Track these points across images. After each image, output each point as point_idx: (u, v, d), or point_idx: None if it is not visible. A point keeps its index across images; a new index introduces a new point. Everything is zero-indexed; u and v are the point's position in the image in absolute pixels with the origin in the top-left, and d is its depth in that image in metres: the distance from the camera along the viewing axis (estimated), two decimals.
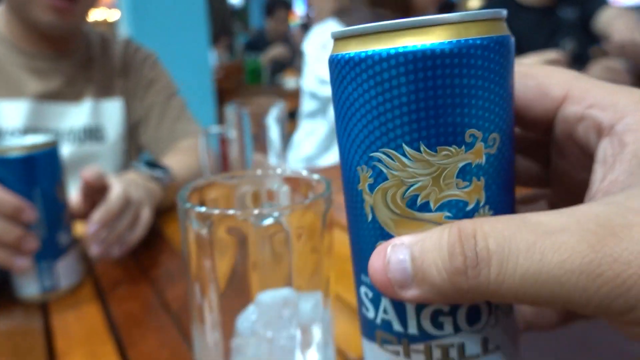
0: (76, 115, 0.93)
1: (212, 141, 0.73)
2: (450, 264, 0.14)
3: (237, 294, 0.27)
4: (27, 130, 0.87)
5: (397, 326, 0.18)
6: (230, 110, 0.67)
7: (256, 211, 0.24)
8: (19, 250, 0.50)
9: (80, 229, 0.63)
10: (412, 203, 0.16)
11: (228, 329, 0.27)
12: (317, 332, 0.29)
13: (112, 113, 0.97)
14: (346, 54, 0.16)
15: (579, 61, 1.57)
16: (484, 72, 0.16)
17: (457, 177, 0.16)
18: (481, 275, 0.14)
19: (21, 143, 0.50)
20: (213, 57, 3.62)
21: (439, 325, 0.18)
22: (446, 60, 0.15)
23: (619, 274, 0.13)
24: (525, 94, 0.20)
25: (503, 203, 0.17)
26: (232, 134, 0.68)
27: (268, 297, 0.27)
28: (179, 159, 0.89)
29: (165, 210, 0.77)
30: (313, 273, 0.28)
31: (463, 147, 0.16)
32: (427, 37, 0.15)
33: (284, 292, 0.28)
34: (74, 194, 0.60)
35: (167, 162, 0.86)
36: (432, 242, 0.15)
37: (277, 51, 3.54)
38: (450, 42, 0.15)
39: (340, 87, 0.17)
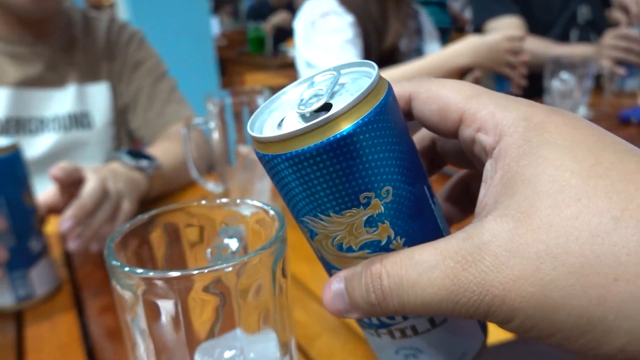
0: (60, 101, 0.89)
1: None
2: (367, 298, 0.20)
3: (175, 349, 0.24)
4: (9, 120, 0.84)
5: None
6: (212, 100, 0.63)
7: (195, 271, 0.21)
8: None
9: (54, 227, 0.61)
10: (340, 248, 0.21)
11: None
12: None
13: (98, 98, 0.93)
14: (265, 155, 0.20)
15: (594, 28, 1.48)
16: (367, 147, 0.19)
17: (365, 226, 0.20)
18: (389, 305, 0.19)
19: None
20: (215, 25, 3.52)
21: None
22: (330, 154, 0.18)
23: (469, 299, 0.18)
24: (430, 118, 0.22)
25: (411, 230, 0.21)
26: (213, 125, 0.64)
27: (209, 344, 0.24)
28: (166, 147, 0.85)
29: (150, 201, 0.75)
30: (264, 321, 0.25)
31: (361, 207, 0.20)
32: (314, 138, 0.18)
33: (228, 336, 0.25)
34: (47, 189, 0.58)
35: (154, 149, 0.83)
36: (356, 280, 0.20)
37: (280, 18, 3.43)
38: (328, 140, 0.18)
39: (268, 173, 0.21)
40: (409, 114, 0.23)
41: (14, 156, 0.49)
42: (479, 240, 0.18)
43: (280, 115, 0.21)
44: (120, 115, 0.98)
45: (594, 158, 0.17)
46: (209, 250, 0.30)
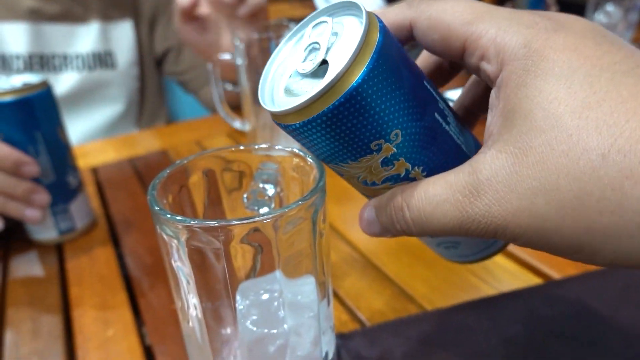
0: (83, 38, 0.88)
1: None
2: (394, 226, 0.22)
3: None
4: (33, 55, 0.84)
5: None
6: (239, 36, 0.61)
7: (235, 222, 0.21)
8: (29, 203, 0.49)
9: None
10: (365, 183, 0.23)
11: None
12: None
13: (122, 37, 0.92)
14: (281, 124, 0.21)
15: None
16: (373, 95, 0.19)
17: (382, 166, 0.22)
18: (413, 232, 0.22)
19: (13, 86, 0.47)
20: None
21: None
22: (340, 115, 0.19)
23: (477, 227, 0.20)
24: (433, 47, 0.22)
25: (426, 158, 0.22)
26: (240, 61, 0.62)
27: (249, 284, 0.25)
28: None
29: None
30: (304, 266, 0.26)
31: (374, 153, 0.21)
32: (323, 103, 0.19)
33: (268, 278, 0.25)
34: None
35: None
36: (383, 211, 0.23)
37: None
38: (339, 101, 0.19)
39: (288, 134, 0.22)
40: (412, 38, 0.23)
41: (47, 92, 0.49)
42: (482, 175, 0.19)
43: (284, 78, 0.22)
44: (159, 59, 0.97)
45: (589, 87, 0.18)
46: (245, 195, 0.30)
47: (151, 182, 0.25)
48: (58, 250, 0.53)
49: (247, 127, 0.68)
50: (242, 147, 0.28)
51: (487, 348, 0.34)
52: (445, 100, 0.24)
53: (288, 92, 0.21)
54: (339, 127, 0.20)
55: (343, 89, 0.19)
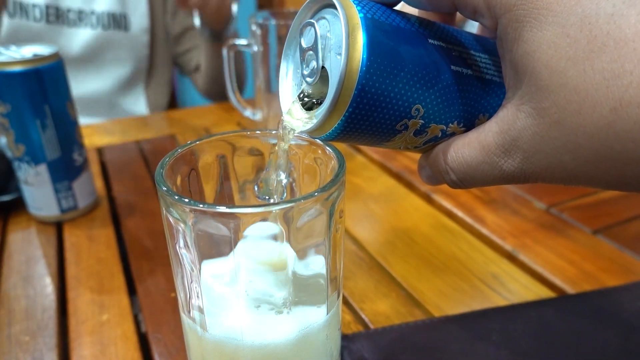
0: None
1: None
2: (444, 183, 0.23)
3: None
4: (50, 6, 0.85)
5: None
6: (256, 21, 0.60)
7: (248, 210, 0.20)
8: None
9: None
10: (408, 149, 0.23)
11: None
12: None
13: (137, 2, 0.93)
14: (310, 136, 0.22)
15: None
16: (382, 83, 0.19)
17: (416, 136, 0.22)
18: (462, 187, 0.23)
19: (23, 56, 0.46)
20: None
21: None
22: (357, 116, 0.20)
23: (516, 180, 0.21)
24: (425, 7, 0.22)
25: (457, 111, 0.22)
26: (256, 48, 0.61)
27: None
28: None
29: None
30: (316, 261, 0.24)
31: (403, 131, 0.21)
32: (336, 116, 0.20)
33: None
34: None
35: None
36: (433, 173, 0.24)
37: None
38: (351, 107, 0.20)
39: None
40: None
41: (58, 65, 0.47)
42: (509, 136, 0.20)
43: (296, 88, 0.23)
44: (183, 32, 0.99)
45: (588, 31, 0.17)
46: (256, 183, 0.28)
47: (160, 160, 0.24)
48: (57, 229, 0.51)
49: (257, 117, 0.67)
50: (257, 132, 0.26)
51: None
52: (459, 40, 0.22)
53: (304, 106, 0.22)
54: (359, 128, 0.20)
55: (352, 89, 0.19)
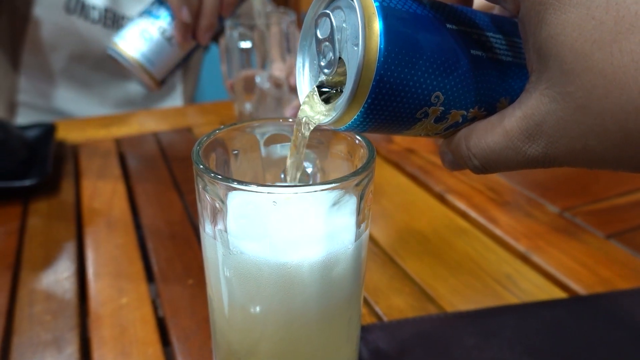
0: None
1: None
2: (467, 168, 0.23)
3: None
4: (108, 10, 0.86)
5: None
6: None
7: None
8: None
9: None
10: (429, 135, 0.23)
11: None
12: None
13: None
14: (336, 129, 0.22)
15: None
16: (400, 71, 0.19)
17: (437, 123, 0.22)
18: (485, 173, 0.23)
19: None
20: None
21: None
22: (376, 107, 0.20)
23: (540, 164, 0.20)
24: None
25: (477, 97, 0.22)
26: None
27: None
28: None
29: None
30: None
31: (423, 119, 0.21)
32: (357, 105, 0.20)
33: None
34: None
35: None
36: (455, 153, 0.23)
37: None
38: (370, 98, 0.20)
39: None
40: None
41: None
42: (532, 121, 0.19)
43: (312, 80, 0.23)
44: None
45: (615, 12, 0.17)
46: (283, 171, 0.29)
47: (198, 140, 0.24)
48: (76, 214, 0.52)
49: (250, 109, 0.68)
50: (290, 120, 0.27)
51: (511, 356, 0.33)
52: (477, 23, 0.22)
53: (322, 95, 0.23)
54: (378, 118, 0.20)
55: (370, 80, 0.19)
